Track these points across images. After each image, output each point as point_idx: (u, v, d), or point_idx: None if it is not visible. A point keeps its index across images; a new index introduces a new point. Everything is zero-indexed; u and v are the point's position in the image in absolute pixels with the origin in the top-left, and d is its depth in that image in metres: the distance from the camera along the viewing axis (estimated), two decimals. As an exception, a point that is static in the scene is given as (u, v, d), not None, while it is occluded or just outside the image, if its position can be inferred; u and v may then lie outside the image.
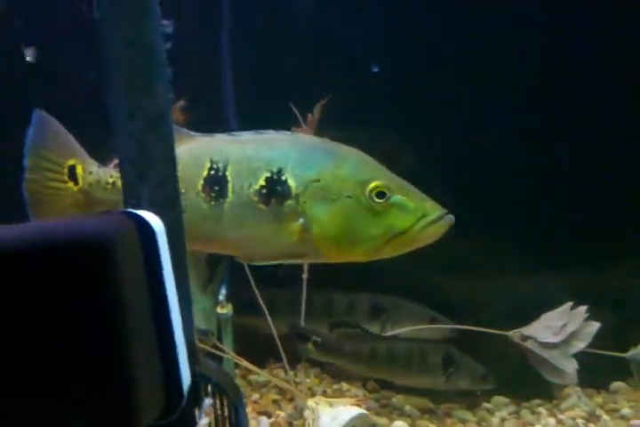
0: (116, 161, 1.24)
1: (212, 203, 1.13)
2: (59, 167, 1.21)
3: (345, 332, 1.72)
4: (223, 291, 1.66)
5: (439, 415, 1.77)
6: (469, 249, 1.89)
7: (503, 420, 1.75)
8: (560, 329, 1.67)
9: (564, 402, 1.76)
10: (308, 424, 1.56)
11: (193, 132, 1.21)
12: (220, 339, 1.65)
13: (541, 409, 1.75)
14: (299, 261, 1.18)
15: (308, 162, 1.11)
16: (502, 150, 1.85)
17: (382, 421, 1.68)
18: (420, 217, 1.08)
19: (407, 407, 1.78)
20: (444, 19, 1.83)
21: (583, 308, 1.68)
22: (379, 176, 1.10)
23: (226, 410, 0.91)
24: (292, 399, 1.71)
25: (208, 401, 0.91)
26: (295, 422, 1.62)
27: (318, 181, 1.09)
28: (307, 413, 1.59)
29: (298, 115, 1.43)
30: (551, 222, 1.88)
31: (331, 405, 1.59)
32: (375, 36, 1.85)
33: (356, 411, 1.56)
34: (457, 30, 1.84)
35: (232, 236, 1.14)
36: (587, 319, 1.66)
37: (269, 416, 1.62)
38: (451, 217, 1.10)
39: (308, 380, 1.81)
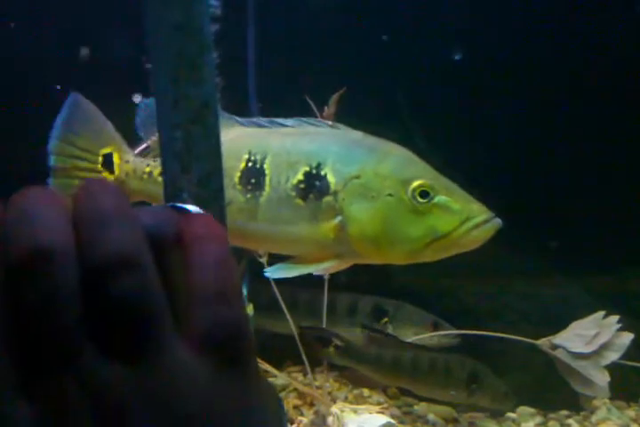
0: (140, 148, 1.20)
1: (249, 196, 1.09)
2: (91, 155, 1.16)
3: (370, 336, 1.67)
4: (244, 290, 1.62)
5: (463, 425, 1.74)
6: (490, 252, 1.87)
7: (530, 431, 1.70)
8: (592, 339, 1.61)
9: (595, 415, 1.71)
10: (332, 431, 1.52)
11: (239, 119, 1.17)
12: None
13: (571, 421, 1.71)
14: (335, 263, 1.11)
15: (348, 157, 1.07)
16: (523, 150, 1.82)
17: (406, 429, 1.64)
18: (465, 220, 1.02)
19: (430, 416, 1.74)
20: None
21: (615, 317, 1.62)
22: (422, 174, 1.05)
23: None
24: (312, 404, 1.67)
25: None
26: (317, 429, 1.58)
27: (359, 177, 1.05)
28: (330, 419, 1.55)
29: (314, 107, 1.37)
30: (577, 226, 1.84)
31: (355, 412, 1.55)
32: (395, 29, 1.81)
33: (382, 419, 1.52)
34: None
35: (267, 231, 1.10)
36: (619, 330, 1.60)
37: (291, 422, 1.58)
38: (498, 221, 1.04)
39: (328, 384, 1.77)
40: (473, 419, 1.76)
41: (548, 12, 1.80)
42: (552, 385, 1.69)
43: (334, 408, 1.54)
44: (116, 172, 1.17)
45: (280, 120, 1.15)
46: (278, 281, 1.61)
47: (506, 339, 1.64)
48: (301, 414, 1.62)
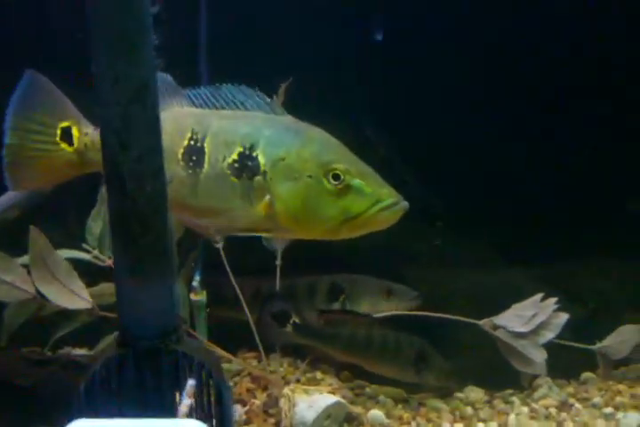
0: None
1: (190, 171, 1.18)
2: (49, 129, 1.21)
3: (325, 316, 1.74)
4: (197, 277, 1.66)
5: (413, 405, 1.80)
6: (438, 240, 1.93)
7: (477, 409, 1.78)
8: (530, 319, 1.70)
9: (536, 392, 1.78)
10: (285, 412, 1.57)
11: (188, 92, 1.24)
12: (192, 326, 1.64)
13: (514, 398, 1.78)
14: (266, 235, 1.26)
15: (278, 140, 1.16)
16: (475, 142, 1.87)
17: (357, 409, 1.69)
18: (375, 202, 1.12)
19: (381, 397, 1.80)
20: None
21: (553, 299, 1.72)
22: (340, 159, 1.14)
23: (208, 391, 0.92)
24: (266, 388, 1.72)
25: (191, 382, 0.91)
26: (270, 411, 1.62)
27: (284, 159, 1.14)
28: (282, 401, 1.60)
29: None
30: (522, 216, 1.91)
31: (307, 393, 1.60)
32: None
33: (332, 399, 1.57)
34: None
35: (205, 205, 1.19)
36: (556, 311, 1.70)
37: (244, 404, 1.63)
38: (405, 204, 1.14)
39: (281, 368, 1.82)
40: (422, 399, 1.82)
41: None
42: (498, 366, 1.76)
43: (286, 390, 1.59)
44: (75, 144, 1.22)
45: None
46: (240, 272, 1.67)
47: (453, 322, 1.71)
48: (254, 397, 1.67)
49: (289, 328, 1.74)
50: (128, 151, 0.80)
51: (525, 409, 1.70)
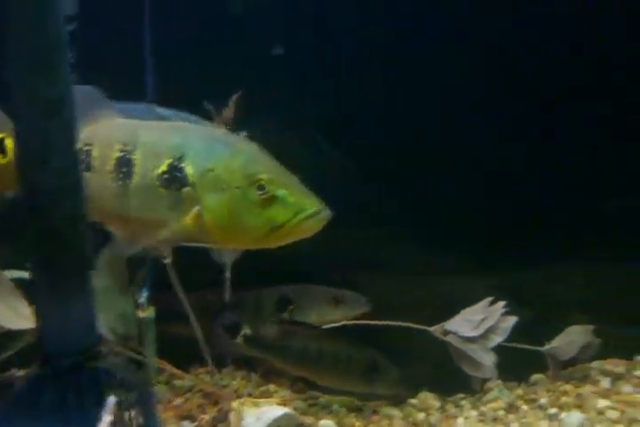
0: None
1: (120, 183, 1.19)
2: None
3: (275, 328, 1.73)
4: (144, 293, 1.64)
5: (365, 413, 1.80)
6: (390, 247, 1.94)
7: (429, 415, 1.78)
8: (479, 323, 1.72)
9: (487, 395, 1.80)
10: (233, 426, 1.56)
11: (118, 105, 1.27)
12: (141, 344, 1.62)
13: (465, 402, 1.79)
14: (196, 245, 1.25)
15: (207, 152, 1.17)
16: (431, 145, 1.88)
17: (309, 420, 1.68)
18: (298, 211, 1.15)
19: (335, 406, 1.80)
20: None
21: (501, 303, 1.73)
22: (265, 170, 1.16)
23: (132, 408, 0.91)
24: (217, 403, 1.70)
25: (112, 399, 0.91)
26: (220, 425, 1.60)
27: (213, 170, 1.15)
28: (232, 414, 1.59)
29: (212, 110, 1.49)
30: (474, 223, 1.92)
31: (256, 405, 1.60)
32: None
33: (280, 410, 1.56)
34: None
35: (136, 216, 1.20)
36: (504, 315, 1.71)
37: (193, 420, 1.61)
38: (328, 212, 1.16)
39: (234, 382, 1.81)
40: (376, 407, 1.82)
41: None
42: (449, 371, 1.76)
43: (236, 403, 1.57)
44: (9, 155, 1.23)
45: (158, 109, 1.24)
46: (189, 287, 1.64)
47: (405, 330, 1.70)
48: (204, 412, 1.65)
49: (240, 340, 1.74)
50: (44, 167, 0.79)
51: (474, 413, 1.72)
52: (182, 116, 1.27)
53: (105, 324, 1.54)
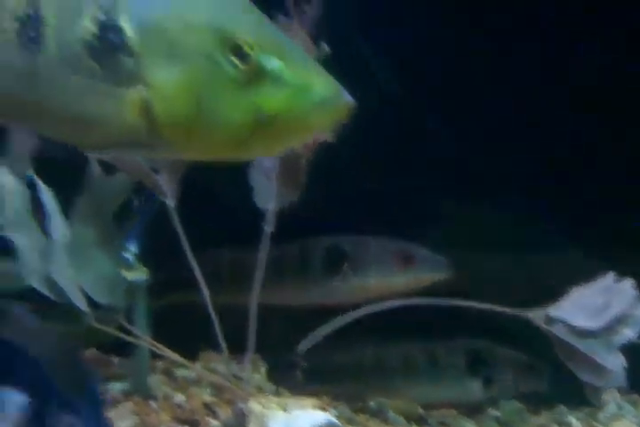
0: None
1: (25, 53, 0.83)
2: None
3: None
4: (131, 248, 1.26)
5: (431, 424, 1.43)
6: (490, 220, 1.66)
7: (513, 433, 1.40)
8: (600, 310, 1.29)
9: (602, 411, 1.41)
10: (250, 436, 1.16)
11: None
12: (129, 318, 1.26)
13: (571, 419, 1.41)
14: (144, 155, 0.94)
15: None
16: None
17: (355, 430, 1.30)
18: (301, 93, 0.76)
19: (390, 413, 1.42)
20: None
21: (630, 281, 1.29)
22: (246, 27, 0.78)
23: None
24: (231, 402, 1.31)
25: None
26: (233, 434, 1.20)
27: (163, 27, 0.79)
28: (251, 419, 1.19)
29: None
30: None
31: (284, 408, 1.20)
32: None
33: (320, 417, 1.17)
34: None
35: (49, 105, 0.84)
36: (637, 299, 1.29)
37: (195, 425, 1.20)
38: (348, 98, 0.77)
39: (257, 375, 1.45)
40: (442, 417, 1.46)
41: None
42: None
43: (254, 404, 1.16)
44: None
45: None
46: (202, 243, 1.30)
47: (492, 315, 1.30)
48: (212, 415, 1.24)
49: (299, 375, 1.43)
50: None
51: (589, 436, 1.33)
52: None
53: (80, 288, 1.19)
